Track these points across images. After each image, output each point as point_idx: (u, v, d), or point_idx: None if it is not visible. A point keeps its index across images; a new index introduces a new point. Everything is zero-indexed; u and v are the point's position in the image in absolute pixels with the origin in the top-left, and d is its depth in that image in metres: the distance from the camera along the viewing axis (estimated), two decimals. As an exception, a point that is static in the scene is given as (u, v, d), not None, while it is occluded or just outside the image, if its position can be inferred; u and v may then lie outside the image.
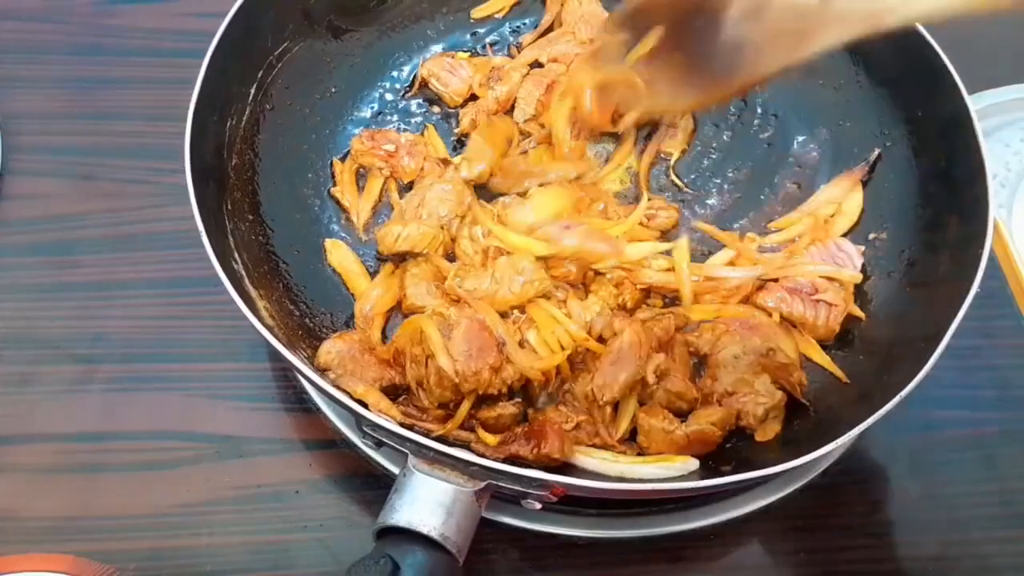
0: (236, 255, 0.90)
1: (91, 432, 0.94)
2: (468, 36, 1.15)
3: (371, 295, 0.93)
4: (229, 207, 0.93)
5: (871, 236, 1.00)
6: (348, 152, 1.04)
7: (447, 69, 1.09)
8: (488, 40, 1.15)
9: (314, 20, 1.06)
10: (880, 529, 0.93)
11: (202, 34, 0.92)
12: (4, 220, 1.06)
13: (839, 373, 0.92)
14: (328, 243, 0.98)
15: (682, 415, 0.88)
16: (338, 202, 1.01)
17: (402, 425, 0.79)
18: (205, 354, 0.99)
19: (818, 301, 0.93)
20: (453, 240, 0.96)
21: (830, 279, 0.95)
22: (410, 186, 1.01)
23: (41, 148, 1.11)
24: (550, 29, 1.15)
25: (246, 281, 0.88)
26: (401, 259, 0.95)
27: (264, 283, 0.91)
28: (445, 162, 1.03)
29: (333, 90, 1.07)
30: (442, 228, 0.95)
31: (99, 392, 0.96)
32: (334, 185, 1.02)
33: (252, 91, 1.00)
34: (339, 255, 0.97)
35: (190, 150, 0.86)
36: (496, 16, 1.16)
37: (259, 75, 1.00)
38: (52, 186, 1.09)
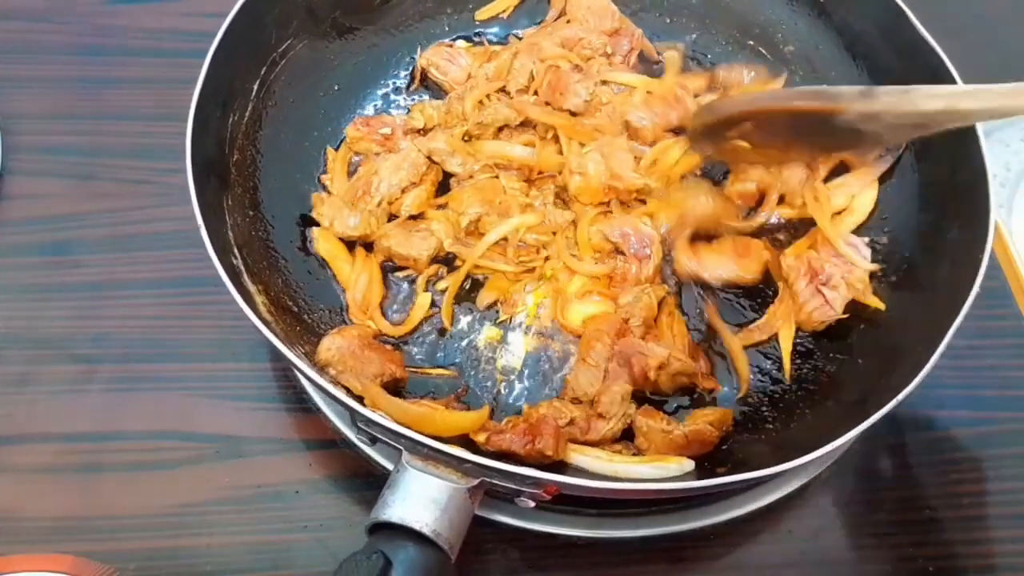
0: (235, 250, 0.90)
1: (91, 432, 0.94)
2: (472, 36, 1.15)
3: (359, 284, 0.94)
4: (229, 202, 0.93)
5: (871, 240, 1.00)
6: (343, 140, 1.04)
7: (446, 58, 1.09)
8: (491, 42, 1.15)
9: (318, 18, 1.06)
10: (880, 529, 0.93)
11: (203, 34, 0.93)
12: (4, 220, 1.06)
13: (787, 367, 0.93)
14: (316, 231, 0.98)
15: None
16: (326, 189, 1.01)
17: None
18: (205, 354, 0.99)
19: (820, 291, 0.93)
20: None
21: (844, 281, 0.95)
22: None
23: (41, 148, 1.11)
24: (555, 26, 1.15)
25: (245, 276, 0.88)
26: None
27: (263, 279, 0.91)
28: (423, 132, 1.04)
29: (336, 88, 1.08)
30: (383, 204, 0.97)
31: (99, 392, 0.96)
32: (325, 172, 1.02)
33: (255, 87, 1.00)
34: (326, 243, 0.97)
35: (191, 145, 0.86)
36: (500, 17, 1.16)
37: (262, 71, 1.01)
38: (52, 186, 1.09)
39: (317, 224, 0.98)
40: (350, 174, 1.03)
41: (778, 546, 0.92)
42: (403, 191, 0.98)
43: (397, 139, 1.02)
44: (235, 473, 0.92)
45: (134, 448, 0.93)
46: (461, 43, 1.13)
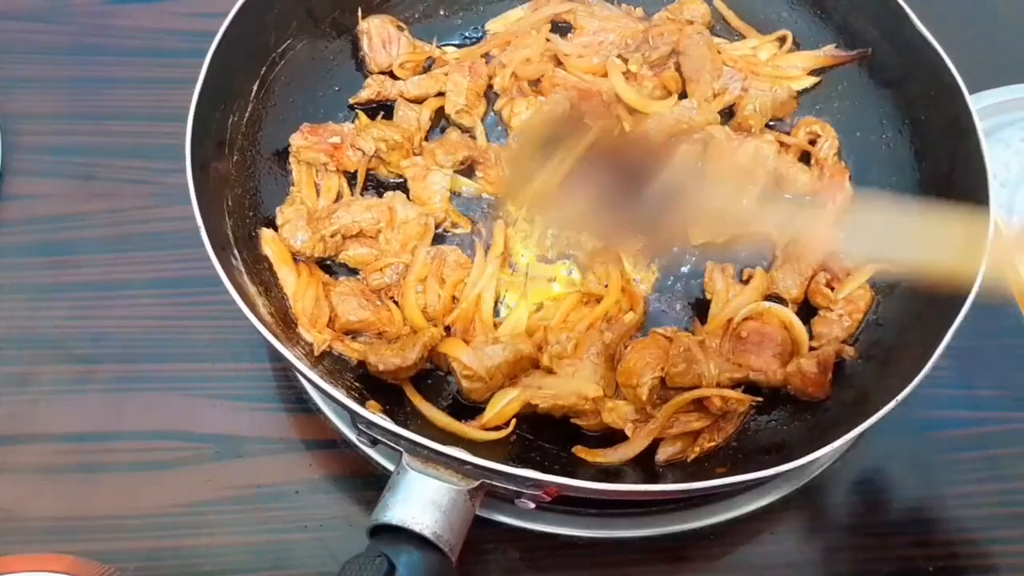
0: (235, 252, 0.89)
1: (91, 432, 0.94)
2: (473, 37, 1.14)
3: (305, 300, 0.91)
4: (229, 204, 0.92)
5: (875, 233, 1.00)
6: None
7: (383, 36, 1.06)
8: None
9: (317, 18, 1.06)
10: (880, 529, 0.93)
11: (203, 34, 0.92)
12: (4, 220, 1.06)
13: None
14: (266, 232, 0.94)
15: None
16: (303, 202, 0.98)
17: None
18: (205, 354, 0.98)
19: None
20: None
21: None
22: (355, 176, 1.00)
23: (41, 148, 1.11)
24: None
25: (245, 278, 0.88)
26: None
27: (263, 279, 0.91)
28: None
29: (336, 88, 1.07)
30: (337, 236, 0.94)
31: (99, 392, 0.96)
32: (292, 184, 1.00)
33: (254, 88, 0.99)
34: (274, 246, 0.93)
35: (191, 146, 0.85)
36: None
37: (261, 72, 1.00)
38: (52, 186, 1.09)
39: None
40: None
41: (778, 546, 0.92)
42: (360, 232, 0.95)
43: (345, 148, 0.99)
44: (235, 473, 0.92)
45: (134, 448, 0.93)
46: (452, 49, 1.11)
